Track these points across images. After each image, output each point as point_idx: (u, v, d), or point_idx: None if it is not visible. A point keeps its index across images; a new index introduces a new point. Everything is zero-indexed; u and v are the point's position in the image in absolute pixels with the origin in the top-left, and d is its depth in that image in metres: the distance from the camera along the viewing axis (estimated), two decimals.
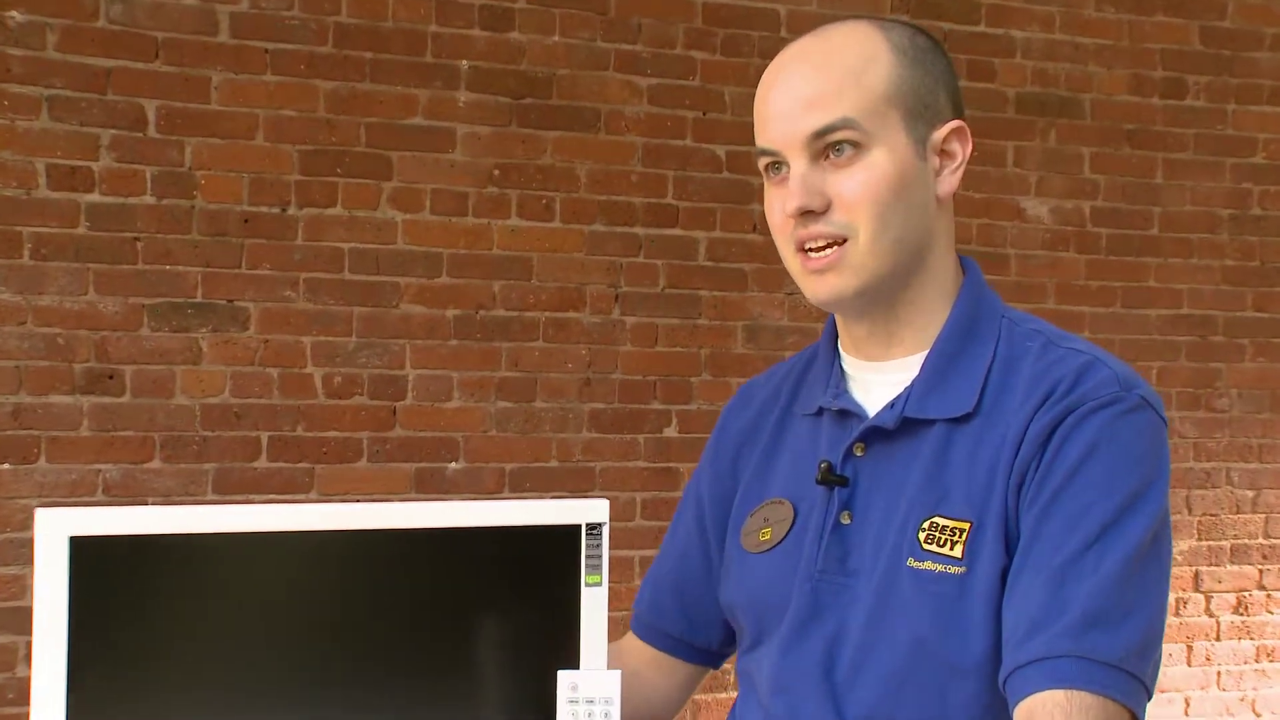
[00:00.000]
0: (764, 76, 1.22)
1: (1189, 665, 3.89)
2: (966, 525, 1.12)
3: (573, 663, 1.15)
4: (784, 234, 1.20)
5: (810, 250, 1.17)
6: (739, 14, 3.50)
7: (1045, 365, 1.16)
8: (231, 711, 1.09)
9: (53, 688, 1.04)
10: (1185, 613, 3.90)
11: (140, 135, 3.07)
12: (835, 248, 1.16)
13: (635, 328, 3.41)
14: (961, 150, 1.21)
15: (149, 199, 3.07)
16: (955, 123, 1.20)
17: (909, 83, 1.17)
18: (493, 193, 3.30)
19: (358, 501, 3.11)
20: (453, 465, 3.25)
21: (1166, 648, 3.86)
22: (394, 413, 3.21)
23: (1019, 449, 1.12)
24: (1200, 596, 3.92)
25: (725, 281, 3.50)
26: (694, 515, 1.39)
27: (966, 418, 1.17)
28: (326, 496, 3.13)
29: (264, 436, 3.10)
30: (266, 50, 3.15)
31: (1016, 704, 1.01)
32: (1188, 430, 3.90)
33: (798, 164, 1.16)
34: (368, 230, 3.20)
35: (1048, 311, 3.73)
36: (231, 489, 3.06)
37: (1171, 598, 3.87)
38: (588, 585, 1.18)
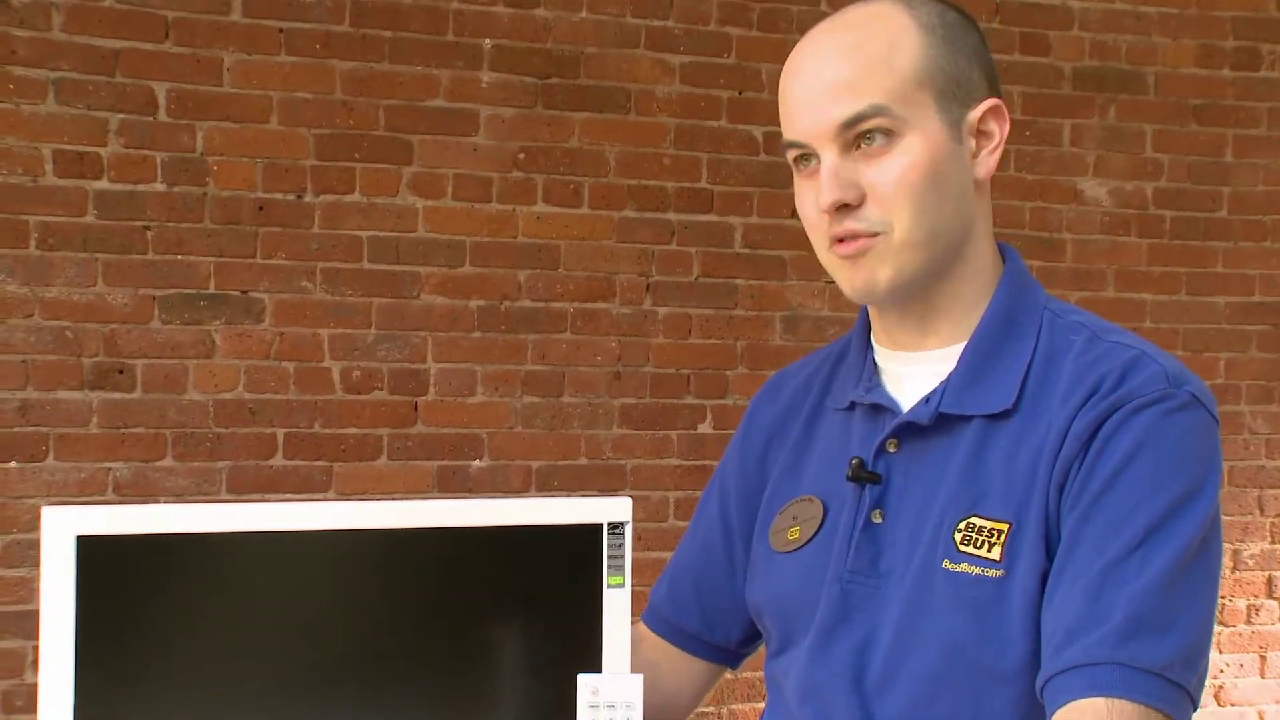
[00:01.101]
0: (787, 64, 1.23)
1: (1262, 677, 3.87)
2: (1005, 526, 1.14)
3: (594, 665, 1.18)
4: (818, 229, 1.21)
5: (843, 240, 1.19)
6: None
7: (1090, 360, 1.17)
8: (241, 713, 1.12)
9: (60, 690, 1.08)
10: (1258, 620, 3.88)
11: (150, 119, 3.12)
12: (866, 238, 1.18)
13: (668, 318, 3.44)
14: (999, 130, 1.22)
15: (159, 186, 3.12)
16: (991, 101, 1.21)
17: (940, 62, 1.18)
18: (518, 177, 3.33)
19: (376, 500, 3.15)
20: (476, 463, 3.28)
21: (1238, 658, 3.84)
22: (415, 408, 3.25)
23: (1061, 448, 1.13)
24: (1274, 604, 3.90)
25: (762, 270, 3.51)
26: (718, 509, 1.41)
27: (1005, 414, 1.18)
28: (345, 496, 3.17)
29: (280, 433, 3.15)
30: (281, 29, 3.19)
31: (1054, 711, 1.03)
32: (1259, 426, 3.88)
33: (828, 155, 1.17)
34: (387, 217, 3.24)
35: (1107, 300, 3.73)
36: (246, 488, 3.12)
37: (1242, 604, 3.86)
38: (610, 586, 1.21)
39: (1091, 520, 1.08)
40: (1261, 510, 3.89)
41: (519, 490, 3.31)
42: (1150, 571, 1.04)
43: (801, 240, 3.73)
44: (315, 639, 1.15)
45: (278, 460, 3.15)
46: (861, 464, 1.24)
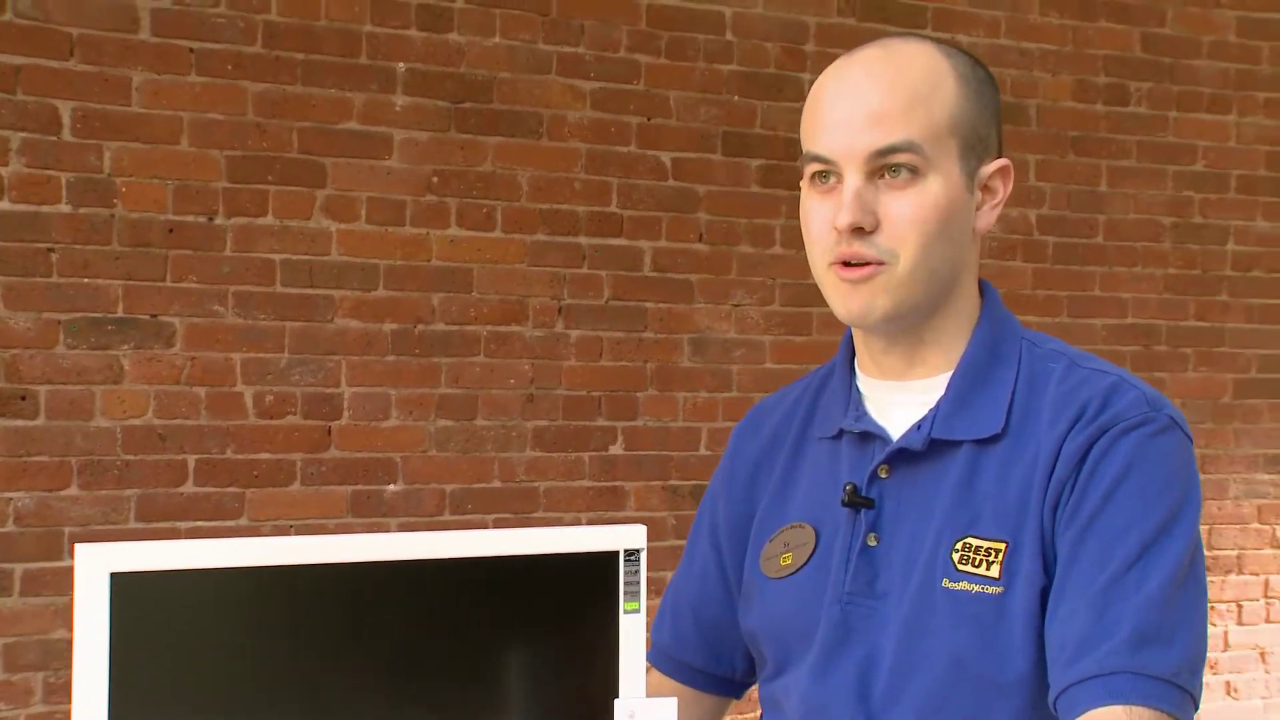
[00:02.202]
0: (822, 81, 1.27)
1: None
2: (1002, 545, 1.20)
3: (611, 690, 1.20)
4: (822, 244, 1.25)
5: (847, 264, 1.24)
6: (684, 16, 3.57)
7: (1071, 386, 1.24)
8: None
9: None
10: None
11: (54, 139, 3.04)
12: (873, 265, 1.23)
13: (580, 341, 3.47)
14: (1003, 188, 1.29)
15: (64, 207, 3.04)
16: (1002, 160, 1.28)
17: (969, 114, 1.24)
18: (431, 201, 3.33)
19: (292, 528, 3.12)
20: (391, 487, 3.27)
21: None
22: (329, 432, 3.23)
23: (1053, 469, 1.20)
24: None
25: (671, 293, 3.57)
26: (709, 542, 1.44)
27: (994, 439, 1.25)
28: (257, 522, 3.13)
29: (191, 460, 3.10)
30: (191, 49, 3.15)
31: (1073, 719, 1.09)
32: None
33: (853, 178, 1.21)
34: (300, 241, 3.21)
35: None
36: (156, 516, 3.05)
37: None
38: (626, 612, 1.23)
39: (1088, 538, 1.15)
40: None
41: (433, 514, 3.30)
42: (1151, 585, 1.11)
43: (708, 264, 3.81)
44: (341, 670, 1.16)
45: (188, 487, 3.09)
46: (855, 489, 1.29)
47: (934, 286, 1.25)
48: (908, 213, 1.21)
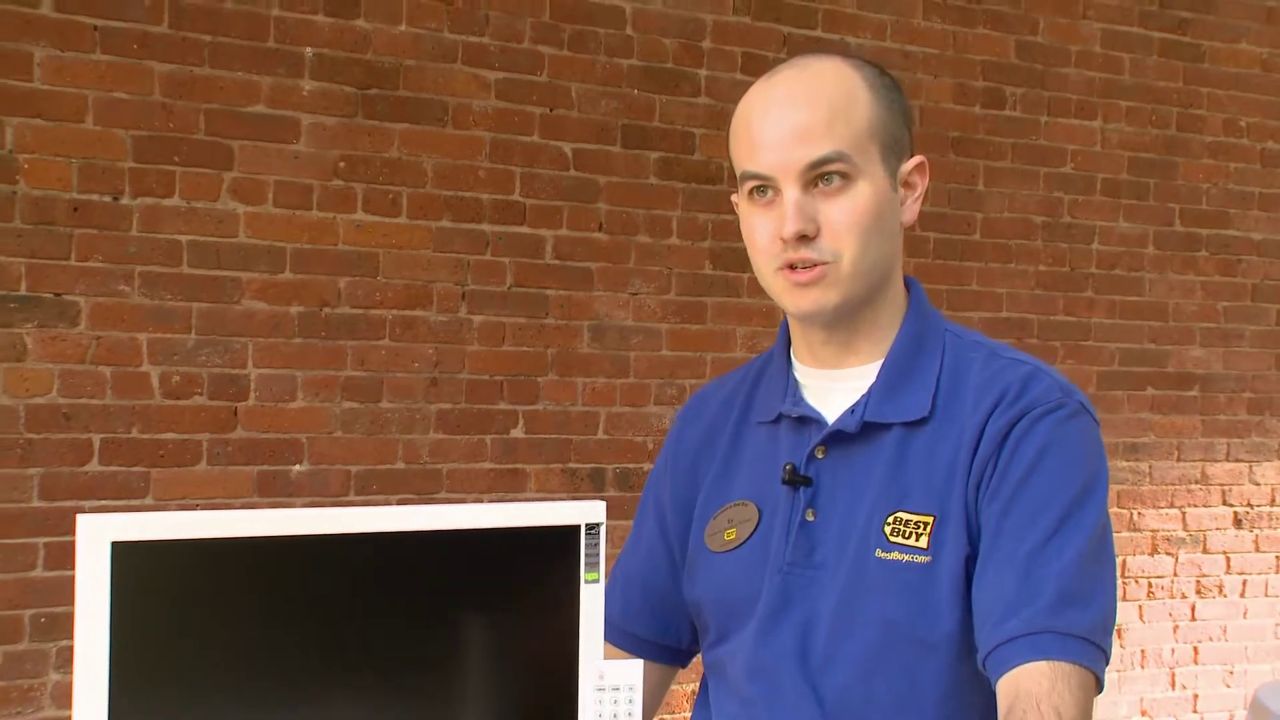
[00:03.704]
0: (748, 103, 1.38)
1: None
2: (930, 519, 1.32)
3: (573, 654, 1.29)
4: (769, 253, 1.35)
5: (795, 267, 1.34)
6: (585, 10, 3.64)
7: (991, 374, 1.37)
8: (245, 707, 1.18)
9: (94, 689, 1.12)
10: None
11: None
12: (819, 266, 1.34)
13: (483, 326, 3.53)
14: (921, 182, 1.41)
15: None
16: (918, 158, 1.40)
17: (883, 119, 1.36)
18: (338, 186, 3.36)
19: (198, 507, 3.12)
20: (297, 468, 3.29)
21: None
22: (235, 413, 3.23)
23: (976, 449, 1.32)
24: None
25: (572, 281, 3.65)
26: (655, 521, 1.54)
27: (922, 422, 1.36)
28: (162, 502, 3.12)
29: (96, 439, 3.08)
30: (95, 27, 3.12)
31: (1000, 677, 1.21)
32: None
33: (790, 191, 1.32)
34: (207, 222, 3.20)
35: None
36: (60, 494, 3.03)
37: None
38: (587, 582, 1.32)
39: (1011, 512, 1.27)
40: None
41: (338, 495, 3.33)
42: (1069, 553, 1.24)
43: (608, 253, 3.90)
44: (330, 638, 1.21)
45: (93, 466, 3.07)
46: (794, 469, 1.39)
47: (875, 277, 1.37)
48: (845, 217, 1.32)
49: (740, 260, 1.45)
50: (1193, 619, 4.51)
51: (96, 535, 1.13)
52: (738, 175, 1.38)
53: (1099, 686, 1.22)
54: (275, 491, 3.25)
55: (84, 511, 2.99)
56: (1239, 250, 4.61)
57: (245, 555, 1.18)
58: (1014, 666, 1.19)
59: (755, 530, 1.42)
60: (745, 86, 1.42)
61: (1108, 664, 1.23)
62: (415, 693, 1.25)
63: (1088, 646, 1.20)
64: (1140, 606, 4.45)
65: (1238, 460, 4.59)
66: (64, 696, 3.02)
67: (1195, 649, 4.51)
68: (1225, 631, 4.56)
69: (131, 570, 1.14)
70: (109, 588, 1.13)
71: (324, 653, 1.22)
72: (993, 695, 1.22)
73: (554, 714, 1.23)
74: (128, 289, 3.12)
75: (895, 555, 1.32)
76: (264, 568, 1.19)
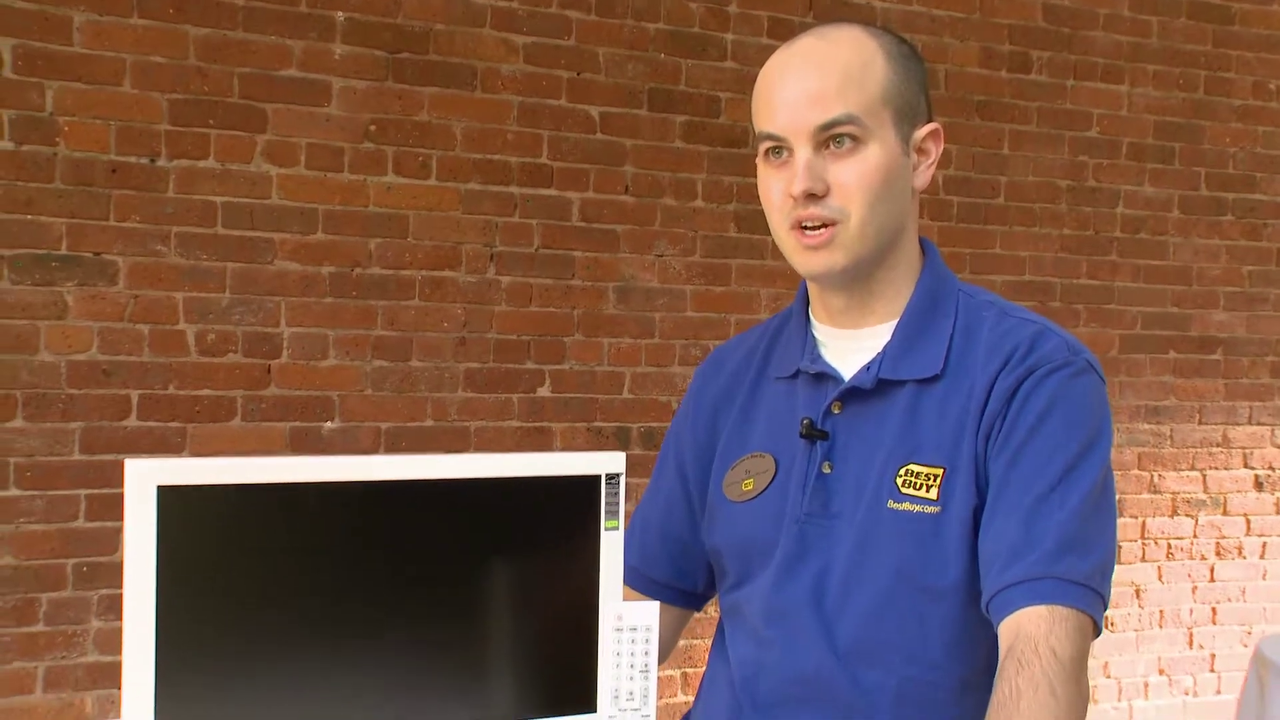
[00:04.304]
0: (767, 69, 1.42)
1: None
2: (940, 471, 1.36)
3: (594, 598, 1.34)
4: (781, 212, 1.40)
5: (806, 228, 1.39)
6: None
7: (1001, 332, 1.41)
8: (278, 651, 1.24)
9: (142, 625, 1.18)
10: None
11: None
12: (828, 228, 1.38)
13: (510, 287, 3.58)
14: (935, 149, 1.45)
15: (7, 144, 3.06)
16: (932, 125, 1.44)
17: (898, 86, 1.40)
18: (369, 149, 3.40)
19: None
20: (328, 425, 3.36)
21: None
22: (269, 371, 3.30)
23: (985, 405, 1.36)
24: None
25: (598, 242, 3.69)
26: (675, 470, 1.59)
27: (934, 378, 1.41)
28: (198, 456, 3.19)
29: (134, 395, 3.15)
30: None
31: (1002, 619, 1.26)
32: None
33: (803, 151, 1.37)
34: (241, 184, 3.26)
35: None
36: (100, 448, 3.10)
37: None
38: (607, 529, 1.37)
39: (1018, 464, 1.32)
40: None
41: (368, 451, 3.39)
42: (1071, 503, 1.28)
43: (634, 215, 3.93)
44: (364, 582, 1.27)
45: (132, 421, 3.15)
46: (812, 423, 1.44)
47: (882, 239, 1.41)
48: (853, 177, 1.37)
49: (764, 223, 1.50)
50: (1211, 580, 4.54)
51: (144, 480, 1.18)
52: (756, 136, 1.42)
53: (1097, 630, 1.26)
54: (307, 448, 3.31)
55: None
56: (1265, 214, 4.60)
57: (282, 500, 1.24)
58: (1015, 610, 1.24)
59: (772, 481, 1.47)
60: (770, 51, 1.47)
61: (1106, 609, 1.27)
62: (443, 631, 1.31)
63: (1086, 592, 1.25)
64: (1160, 567, 4.48)
65: (1259, 424, 4.60)
66: (105, 642, 3.11)
67: (1214, 609, 4.54)
68: (1244, 593, 4.58)
69: (176, 513, 1.20)
70: (155, 529, 1.19)
71: (356, 592, 1.28)
72: (996, 639, 1.27)
73: (575, 653, 1.29)
74: (164, 249, 3.18)
75: (906, 506, 1.36)
76: (298, 512, 1.25)
